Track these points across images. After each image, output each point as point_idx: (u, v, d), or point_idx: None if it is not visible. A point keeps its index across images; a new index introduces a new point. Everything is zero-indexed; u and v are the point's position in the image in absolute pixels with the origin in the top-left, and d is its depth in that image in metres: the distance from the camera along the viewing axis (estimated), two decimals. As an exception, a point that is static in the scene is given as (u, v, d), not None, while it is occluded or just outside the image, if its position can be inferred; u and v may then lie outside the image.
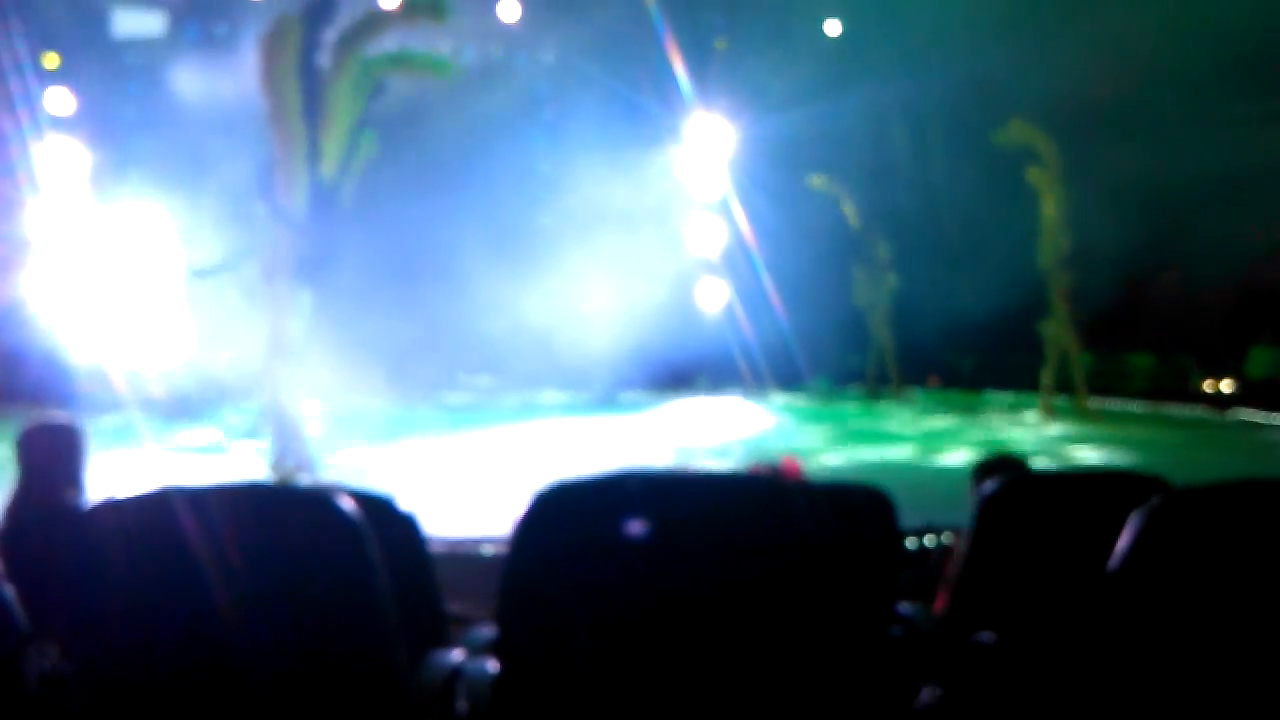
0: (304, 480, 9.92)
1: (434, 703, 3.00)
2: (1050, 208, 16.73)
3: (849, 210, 19.47)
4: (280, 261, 10.87)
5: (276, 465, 10.53)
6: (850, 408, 18.60)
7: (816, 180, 19.48)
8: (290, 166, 10.71)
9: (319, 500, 2.79)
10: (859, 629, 3.63)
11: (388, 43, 11.97)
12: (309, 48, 10.95)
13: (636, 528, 2.62)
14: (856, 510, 4.12)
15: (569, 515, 2.68)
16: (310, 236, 10.95)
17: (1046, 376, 17.09)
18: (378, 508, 3.46)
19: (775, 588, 2.70)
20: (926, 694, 3.65)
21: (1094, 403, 17.23)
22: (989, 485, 3.70)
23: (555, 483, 2.64)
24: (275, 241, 10.88)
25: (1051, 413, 16.68)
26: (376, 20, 11.45)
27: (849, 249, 19.87)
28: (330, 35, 11.17)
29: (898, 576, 4.36)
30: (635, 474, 2.75)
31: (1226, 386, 18.78)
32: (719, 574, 2.66)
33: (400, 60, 12.01)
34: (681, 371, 20.48)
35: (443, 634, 3.59)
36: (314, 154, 10.84)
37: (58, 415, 4.51)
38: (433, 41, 17.49)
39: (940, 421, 16.25)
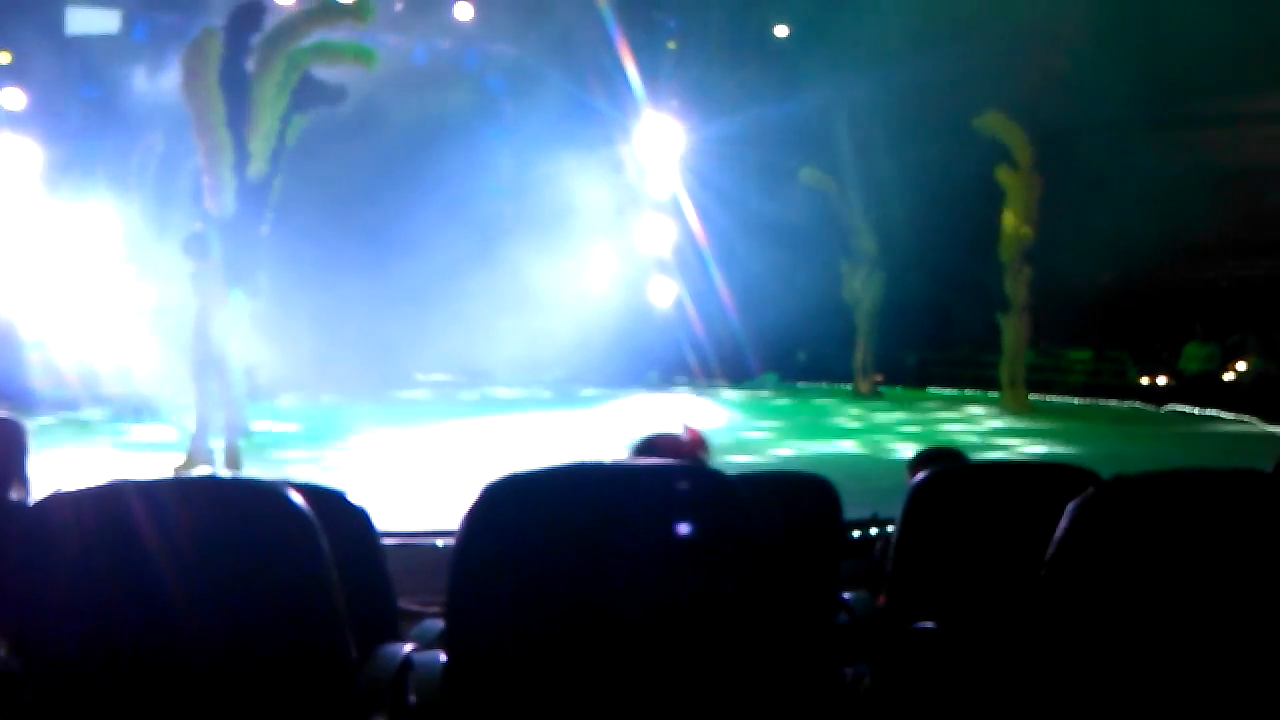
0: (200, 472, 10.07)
1: (383, 695, 2.96)
2: (1017, 202, 16.63)
3: (839, 201, 19.33)
4: (210, 263, 10.95)
5: (192, 456, 10.68)
6: (804, 402, 18.80)
7: (807, 173, 19.32)
8: (217, 173, 10.75)
9: (270, 493, 2.77)
10: (803, 615, 3.79)
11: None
12: (234, 55, 10.97)
13: (584, 519, 2.65)
14: (801, 497, 4.22)
15: (518, 507, 2.68)
16: (237, 238, 11.02)
17: (1005, 371, 17.16)
18: (330, 502, 3.47)
19: (722, 577, 2.73)
20: (858, 672, 3.70)
21: (1033, 397, 17.44)
22: (920, 475, 3.74)
23: (504, 475, 2.67)
24: (205, 243, 10.96)
25: (1022, 405, 16.79)
26: (297, 23, 11.48)
27: (798, 247, 19.93)
28: (255, 40, 11.20)
29: (841, 562, 4.44)
30: (583, 466, 2.78)
31: (1161, 381, 19.17)
32: (666, 565, 2.69)
33: (323, 50, 12.00)
34: (633, 367, 20.59)
35: (394, 628, 3.57)
36: (242, 158, 10.89)
37: None
38: (386, 39, 17.57)
39: (889, 416, 16.45)
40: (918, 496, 3.69)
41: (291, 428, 14.07)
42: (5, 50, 16.78)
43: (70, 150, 17.10)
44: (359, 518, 3.63)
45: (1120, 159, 18.46)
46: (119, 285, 15.28)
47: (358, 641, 2.88)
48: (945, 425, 15.40)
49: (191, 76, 10.66)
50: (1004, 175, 16.72)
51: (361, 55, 12.43)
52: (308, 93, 12.36)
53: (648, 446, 3.84)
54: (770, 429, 14.88)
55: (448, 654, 2.74)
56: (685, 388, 20.68)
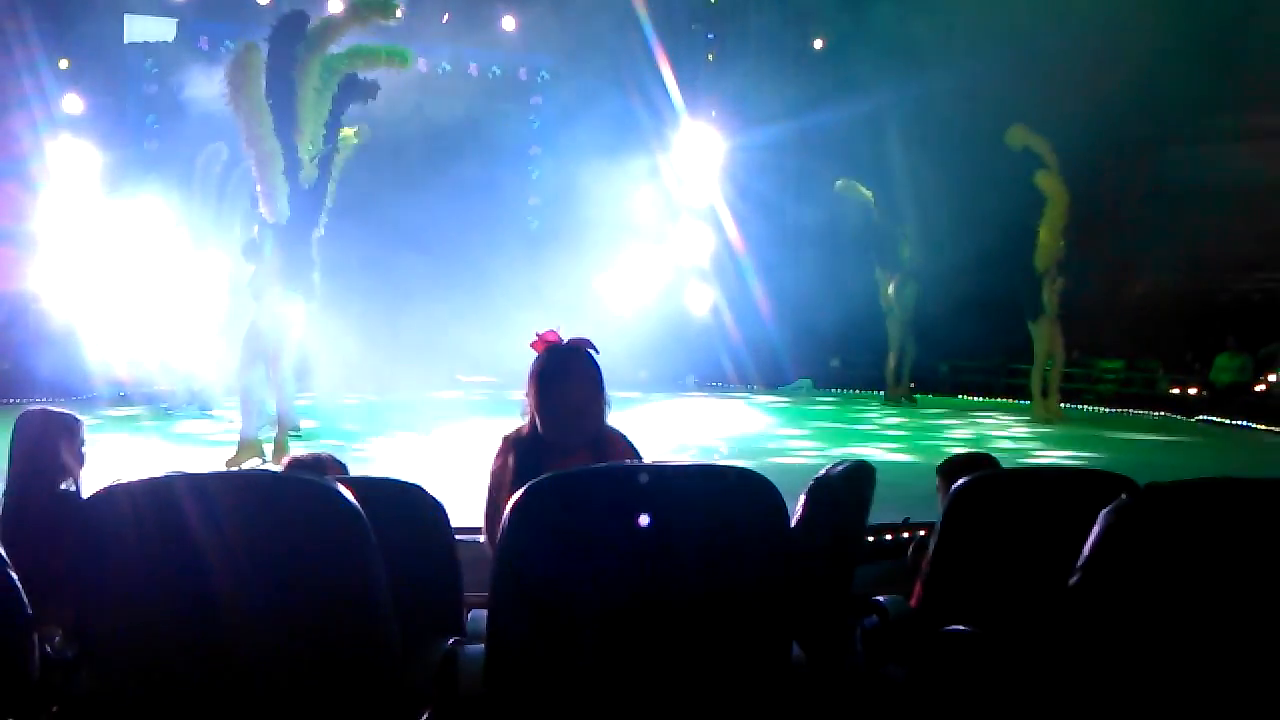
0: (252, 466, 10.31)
1: (433, 687, 2.99)
2: (1054, 211, 16.52)
3: (875, 211, 19.24)
4: (265, 266, 11.22)
5: (242, 450, 10.90)
6: (837, 408, 18.85)
7: (841, 184, 19.34)
8: (270, 181, 10.95)
9: (321, 489, 2.79)
10: (834, 610, 3.81)
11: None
12: (280, 66, 11.15)
13: (625, 519, 2.67)
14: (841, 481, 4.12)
15: (559, 506, 2.72)
16: (292, 242, 11.27)
17: (1035, 380, 17.12)
18: (408, 495, 3.54)
19: (759, 575, 2.78)
20: (891, 674, 3.75)
21: (1063, 406, 17.41)
22: (961, 480, 3.72)
23: (547, 475, 2.74)
24: (261, 248, 11.25)
25: (1053, 413, 16.78)
26: (330, 25, 11.65)
27: (834, 254, 20.03)
28: (299, 50, 11.37)
29: (871, 564, 4.50)
30: (623, 467, 2.93)
31: (1192, 392, 19.18)
32: (706, 563, 2.72)
33: (359, 54, 12.19)
34: (671, 372, 20.74)
35: (461, 621, 3.57)
36: (293, 165, 11.10)
37: (52, 405, 4.52)
38: (429, 48, 17.84)
39: (921, 423, 16.50)
40: (958, 501, 3.70)
41: (339, 425, 14.27)
42: (65, 57, 17.06)
43: (129, 154, 17.42)
44: (436, 510, 3.64)
45: (1152, 172, 18.45)
46: (174, 285, 15.58)
47: (423, 634, 2.94)
48: (977, 433, 15.42)
49: (236, 90, 10.83)
50: (1043, 179, 16.67)
51: (396, 56, 12.58)
52: (341, 91, 12.63)
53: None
54: (804, 433, 15.00)
55: (488, 648, 2.79)
56: (722, 392, 20.87)
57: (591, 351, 3.88)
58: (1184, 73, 17.63)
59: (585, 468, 3.05)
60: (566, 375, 3.80)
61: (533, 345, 3.90)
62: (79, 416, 4.24)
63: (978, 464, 4.53)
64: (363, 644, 2.81)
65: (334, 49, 11.91)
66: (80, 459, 4.19)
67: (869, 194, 19.20)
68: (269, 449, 11.03)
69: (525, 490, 2.69)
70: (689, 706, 2.77)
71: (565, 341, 3.90)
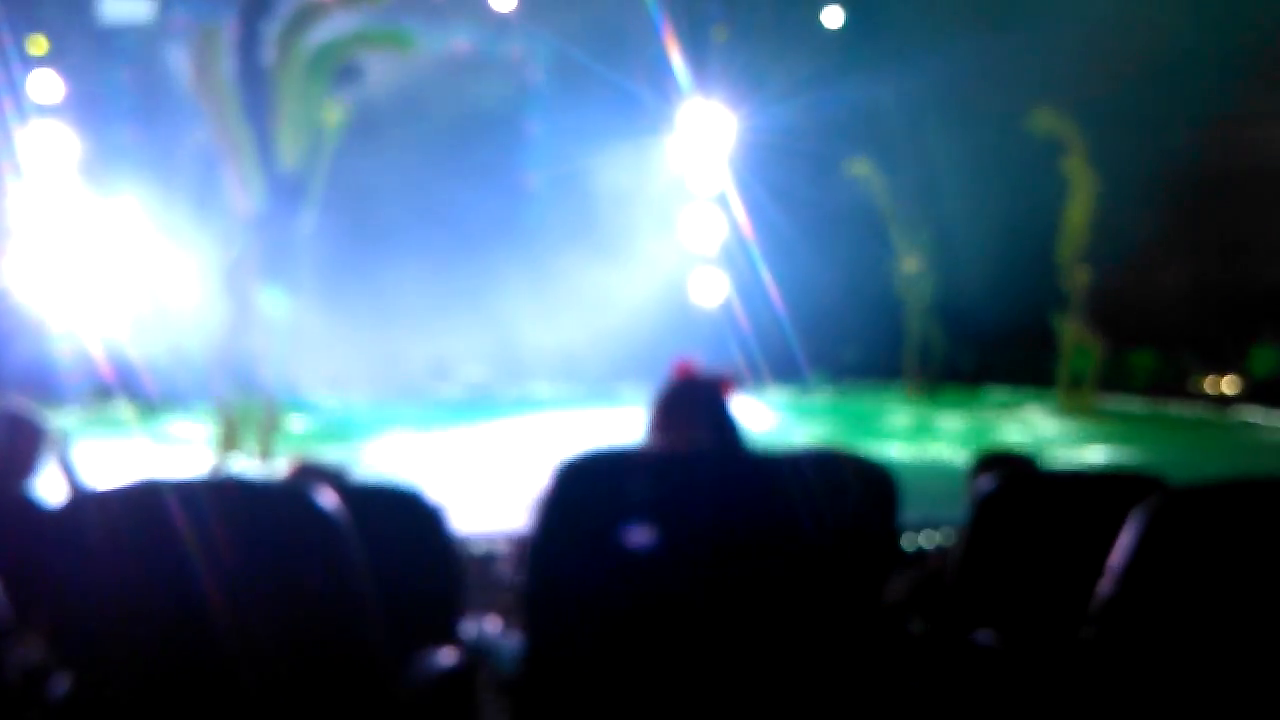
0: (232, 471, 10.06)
1: (428, 700, 3.00)
2: (1081, 200, 16.48)
3: (894, 196, 19.14)
4: (241, 257, 11.04)
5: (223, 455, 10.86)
6: (853, 402, 18.78)
7: (856, 166, 19.20)
8: (239, 167, 10.84)
9: (297, 495, 2.80)
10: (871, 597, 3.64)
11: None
12: (249, 47, 11.05)
13: (658, 500, 2.62)
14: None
15: (595, 487, 2.68)
16: (271, 234, 11.05)
17: (1063, 372, 16.98)
18: (404, 500, 3.58)
19: (799, 561, 2.69)
20: (912, 688, 3.54)
21: (1096, 400, 17.18)
22: (987, 484, 3.68)
23: (581, 454, 2.65)
24: (233, 236, 11.14)
25: (1082, 407, 16.56)
26: (314, 9, 11.53)
27: (849, 241, 19.69)
28: (271, 30, 11.26)
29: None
30: (657, 452, 2.91)
31: (1228, 385, 18.84)
32: (744, 549, 2.66)
33: (360, 39, 12.19)
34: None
35: (454, 630, 3.55)
36: (267, 150, 10.92)
37: (24, 403, 4.50)
38: (425, 28, 17.52)
39: (941, 417, 16.28)
40: (986, 505, 3.63)
41: (327, 425, 14.22)
42: (42, 39, 16.84)
43: (106, 140, 17.27)
44: (433, 516, 3.64)
45: (1185, 155, 18.00)
46: (155, 277, 15.26)
47: (416, 644, 2.96)
48: (1001, 427, 15.25)
49: (198, 77, 10.82)
50: (1071, 166, 16.55)
51: (398, 40, 12.72)
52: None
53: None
54: (817, 428, 14.87)
55: (526, 639, 2.74)
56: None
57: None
58: (1223, 53, 17.25)
59: (618, 448, 2.87)
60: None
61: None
62: (51, 415, 4.37)
63: (1010, 462, 4.45)
64: (343, 653, 2.80)
65: (338, 33, 11.82)
66: (47, 461, 4.28)
67: (887, 179, 18.80)
68: (257, 450, 10.93)
69: (557, 472, 2.63)
70: (727, 691, 2.67)
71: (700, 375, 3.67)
